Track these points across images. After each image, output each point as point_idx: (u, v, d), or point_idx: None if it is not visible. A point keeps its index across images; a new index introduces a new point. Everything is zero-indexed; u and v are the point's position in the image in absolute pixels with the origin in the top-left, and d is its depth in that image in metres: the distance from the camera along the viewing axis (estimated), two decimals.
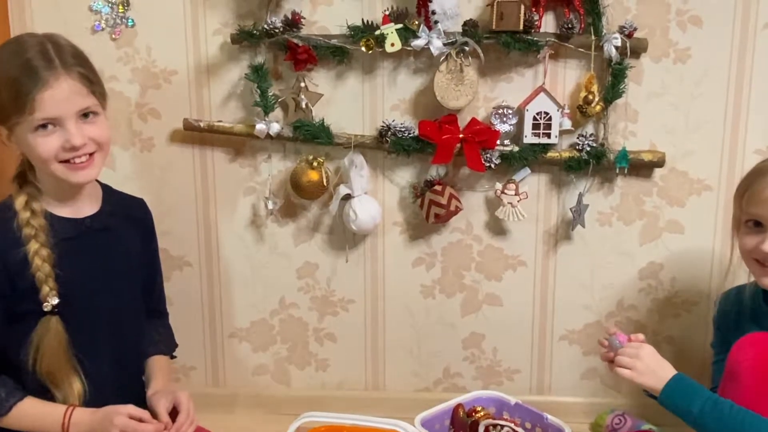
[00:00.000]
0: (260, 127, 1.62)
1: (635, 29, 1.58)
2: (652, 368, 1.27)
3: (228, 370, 1.87)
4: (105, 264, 1.31)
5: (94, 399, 1.26)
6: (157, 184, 1.75)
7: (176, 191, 1.75)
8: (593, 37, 1.58)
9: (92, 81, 1.22)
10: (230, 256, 1.80)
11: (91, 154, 1.22)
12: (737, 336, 1.31)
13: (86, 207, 1.31)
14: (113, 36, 1.66)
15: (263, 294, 1.82)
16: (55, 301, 1.22)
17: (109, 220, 1.33)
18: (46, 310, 1.22)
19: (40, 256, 1.20)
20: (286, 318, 1.83)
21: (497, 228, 1.75)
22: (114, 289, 1.33)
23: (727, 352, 1.29)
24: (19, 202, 1.22)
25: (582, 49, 1.60)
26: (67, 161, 1.20)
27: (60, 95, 1.17)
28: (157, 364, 1.44)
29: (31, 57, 1.17)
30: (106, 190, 1.38)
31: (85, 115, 1.21)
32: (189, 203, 1.76)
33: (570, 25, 1.56)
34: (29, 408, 1.21)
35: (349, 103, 1.69)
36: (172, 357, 1.51)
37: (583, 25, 1.59)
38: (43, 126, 1.17)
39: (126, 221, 1.38)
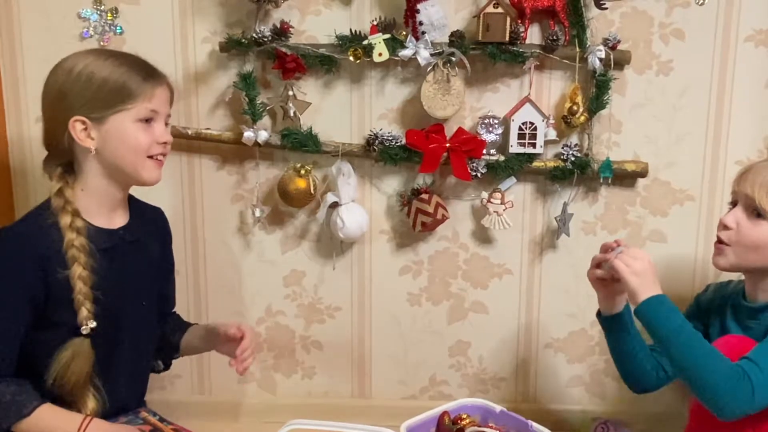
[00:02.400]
0: (248, 135, 1.63)
1: (619, 42, 1.61)
2: (646, 274, 1.25)
3: (214, 378, 1.87)
4: (134, 277, 1.33)
5: (105, 410, 1.28)
6: (144, 190, 1.72)
7: (163, 198, 1.74)
8: (578, 49, 1.60)
9: (173, 94, 1.33)
10: (217, 264, 1.80)
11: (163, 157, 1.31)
12: (713, 323, 1.38)
13: (119, 217, 1.33)
14: (101, 43, 1.67)
15: (250, 301, 1.82)
16: (93, 324, 1.23)
17: (138, 232, 1.35)
18: (84, 333, 1.23)
19: (81, 279, 1.22)
20: (272, 326, 1.83)
21: (483, 236, 1.77)
22: (140, 300, 1.35)
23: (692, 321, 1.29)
24: (65, 222, 1.23)
25: (567, 61, 1.62)
26: (152, 157, 1.27)
27: (166, 96, 1.30)
28: (195, 325, 1.51)
29: (144, 60, 1.28)
30: (131, 201, 1.39)
31: (165, 123, 1.30)
32: (176, 210, 1.76)
33: (555, 37, 1.58)
34: (48, 413, 1.21)
35: (337, 111, 1.70)
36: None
37: (567, 37, 1.61)
38: (146, 120, 1.25)
39: (151, 232, 1.41)
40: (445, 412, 1.56)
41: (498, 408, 1.59)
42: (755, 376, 1.14)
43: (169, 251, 1.49)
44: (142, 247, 1.35)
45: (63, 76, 1.23)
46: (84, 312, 1.22)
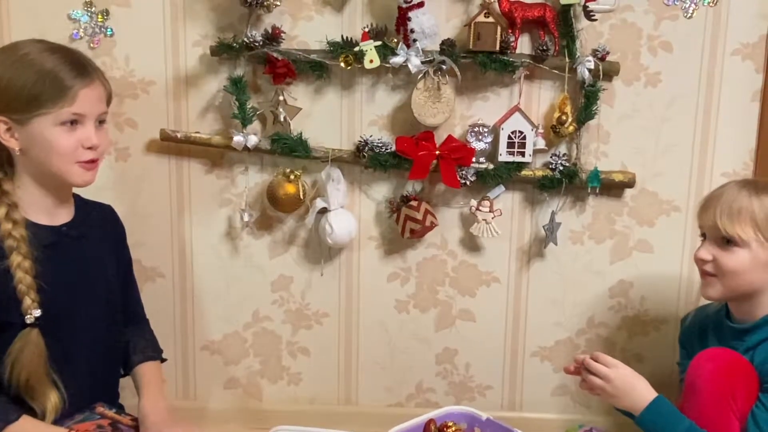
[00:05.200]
0: (238, 139, 1.62)
1: (608, 53, 1.62)
2: (625, 390, 1.28)
3: (199, 383, 1.85)
4: (82, 272, 1.31)
5: (69, 407, 1.26)
6: (132, 194, 1.73)
7: (151, 201, 1.74)
8: (567, 59, 1.61)
9: (109, 92, 1.29)
10: (204, 268, 1.79)
11: (94, 160, 1.27)
12: (695, 347, 1.37)
13: (62, 215, 1.31)
14: (92, 45, 1.66)
15: (237, 306, 1.81)
16: (38, 313, 1.21)
17: (83, 228, 1.33)
18: (28, 322, 1.21)
19: (22, 268, 1.20)
20: (259, 331, 1.83)
21: (472, 244, 1.77)
22: (90, 296, 1.33)
23: None
24: (0, 212, 1.21)
25: (556, 71, 1.63)
26: (79, 161, 1.24)
27: (94, 95, 1.24)
28: (146, 372, 1.43)
29: (75, 56, 1.24)
30: (77, 198, 1.37)
31: (100, 121, 1.27)
32: (164, 214, 1.75)
33: (545, 48, 1.60)
34: (28, 426, 1.20)
35: (328, 117, 1.70)
36: (163, 360, 1.51)
37: (557, 48, 1.62)
38: (71, 122, 1.21)
39: (99, 229, 1.39)
40: (431, 420, 1.56)
41: (484, 416, 1.59)
42: None
43: (124, 248, 1.47)
44: (89, 243, 1.34)
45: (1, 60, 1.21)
46: (27, 301, 1.20)
